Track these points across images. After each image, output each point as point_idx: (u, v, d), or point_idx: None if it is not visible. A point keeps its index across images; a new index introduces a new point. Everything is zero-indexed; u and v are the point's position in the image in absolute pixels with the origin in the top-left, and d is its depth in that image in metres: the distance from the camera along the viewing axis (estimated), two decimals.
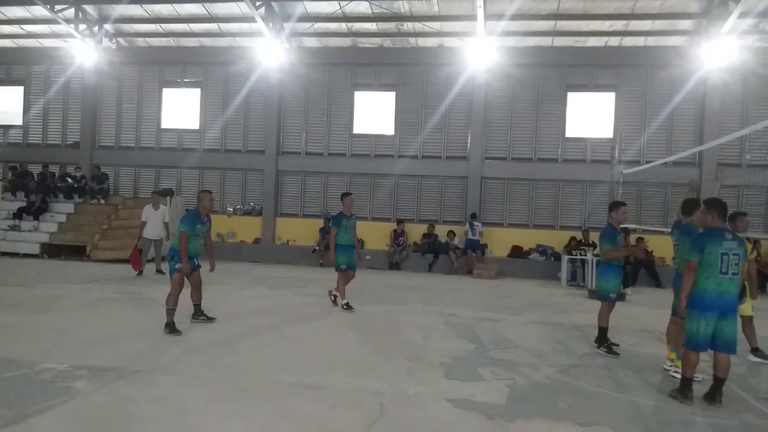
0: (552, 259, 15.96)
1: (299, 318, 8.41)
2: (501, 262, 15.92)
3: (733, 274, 4.90)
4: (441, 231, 16.61)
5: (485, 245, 16.43)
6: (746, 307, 6.55)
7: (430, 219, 17.15)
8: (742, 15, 13.97)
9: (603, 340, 6.83)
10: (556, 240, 16.23)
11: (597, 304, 7.04)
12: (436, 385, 5.30)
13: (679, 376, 5.37)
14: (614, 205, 7.25)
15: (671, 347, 6.10)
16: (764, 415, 4.86)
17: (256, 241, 17.94)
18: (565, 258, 14.81)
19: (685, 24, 15.50)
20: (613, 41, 16.31)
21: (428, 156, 17.35)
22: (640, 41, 16.22)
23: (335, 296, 9.18)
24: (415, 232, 16.95)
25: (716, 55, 14.82)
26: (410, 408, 4.64)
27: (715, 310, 4.91)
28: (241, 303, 9.51)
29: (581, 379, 5.65)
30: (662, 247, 14.22)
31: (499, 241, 16.74)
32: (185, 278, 7.25)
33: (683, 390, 5.04)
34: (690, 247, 5.13)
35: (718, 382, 4.98)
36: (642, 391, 5.35)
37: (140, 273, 12.51)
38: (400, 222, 16.63)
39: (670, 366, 6.04)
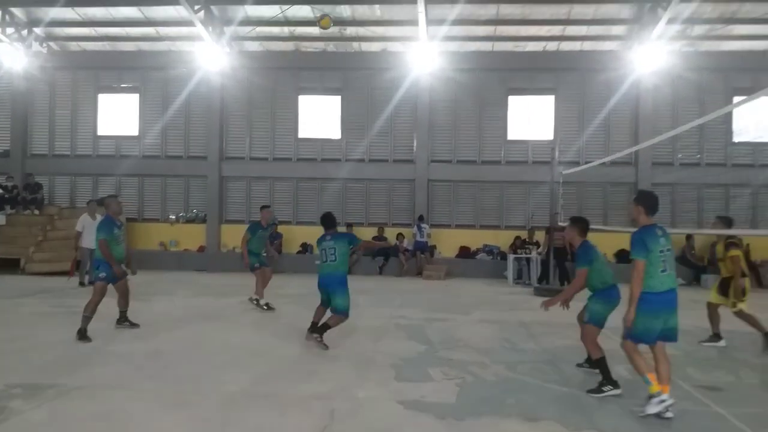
0: (498, 258, 16.27)
1: (247, 326, 8.28)
2: (449, 263, 16.13)
3: None
4: (390, 234, 16.67)
5: (434, 247, 16.60)
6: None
7: (379, 222, 17.17)
8: (671, 21, 14.60)
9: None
10: (502, 240, 16.56)
11: (541, 301, 7.14)
12: (386, 387, 5.31)
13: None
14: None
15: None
16: (701, 402, 5.10)
17: (201, 249, 17.51)
18: (511, 257, 15.16)
19: (618, 29, 16.12)
20: (551, 46, 16.81)
21: (375, 159, 17.38)
22: (576, 46, 16.78)
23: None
24: (365, 235, 16.88)
25: (647, 59, 15.49)
26: (361, 412, 4.63)
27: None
28: (186, 313, 9.23)
29: (528, 375, 5.77)
30: (603, 245, 14.64)
31: (447, 243, 16.94)
32: (113, 286, 7.39)
33: None
34: None
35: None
36: (587, 385, 5.48)
37: (82, 284, 12.16)
38: (349, 226, 16.55)
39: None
